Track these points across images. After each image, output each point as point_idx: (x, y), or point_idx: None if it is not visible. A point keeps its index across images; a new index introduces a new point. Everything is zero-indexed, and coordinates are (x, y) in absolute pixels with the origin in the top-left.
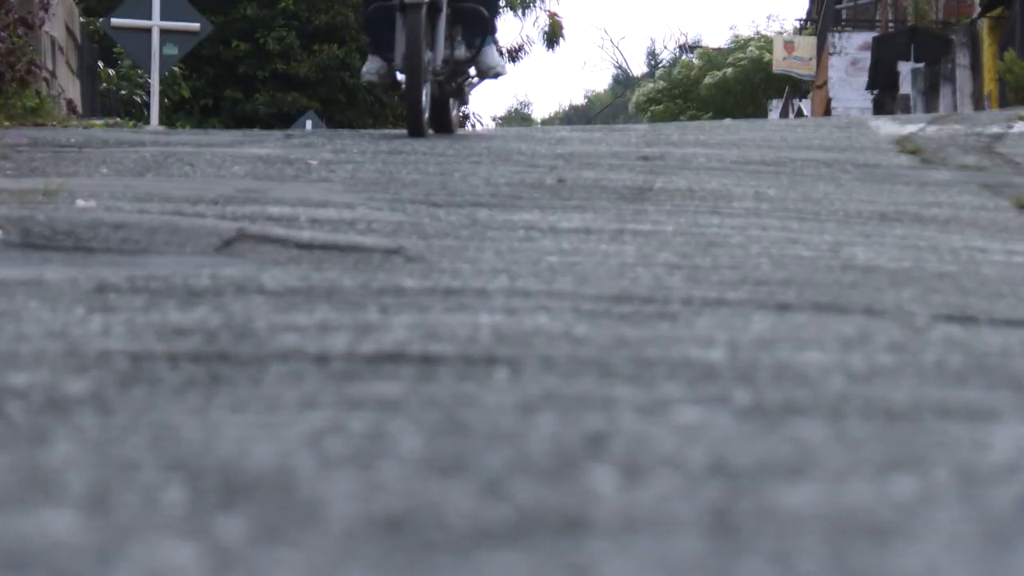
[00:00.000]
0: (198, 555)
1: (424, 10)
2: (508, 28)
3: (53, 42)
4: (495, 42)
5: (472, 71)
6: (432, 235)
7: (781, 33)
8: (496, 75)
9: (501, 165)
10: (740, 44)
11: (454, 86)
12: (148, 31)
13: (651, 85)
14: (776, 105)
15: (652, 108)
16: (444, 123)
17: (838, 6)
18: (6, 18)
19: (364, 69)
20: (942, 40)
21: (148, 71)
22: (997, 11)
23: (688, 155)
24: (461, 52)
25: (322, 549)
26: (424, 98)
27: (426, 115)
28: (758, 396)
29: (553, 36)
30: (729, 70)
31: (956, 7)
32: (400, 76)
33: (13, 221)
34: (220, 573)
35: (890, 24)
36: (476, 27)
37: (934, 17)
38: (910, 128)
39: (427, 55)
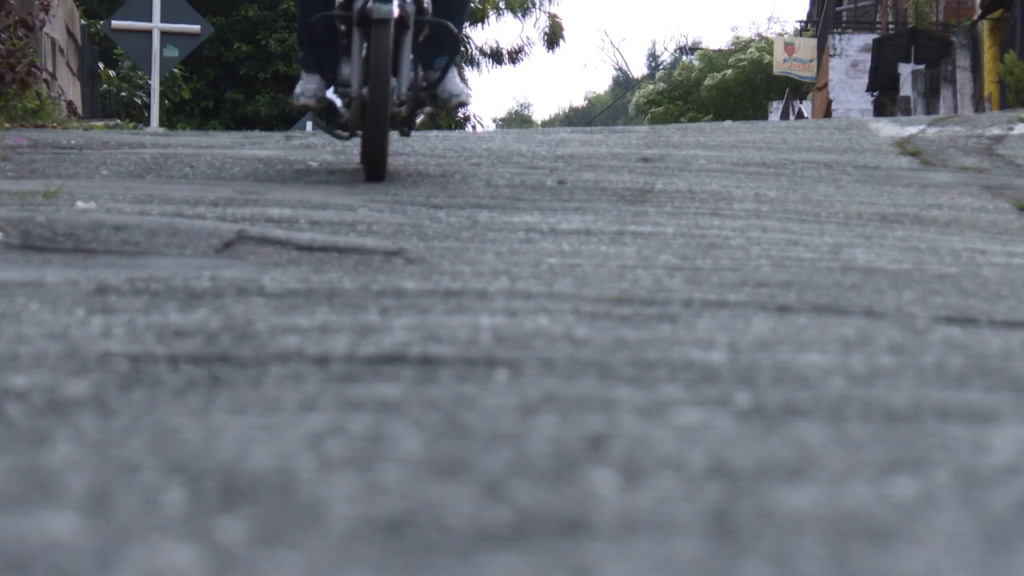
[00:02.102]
0: (198, 557)
1: (392, 26)
2: (508, 30)
3: (53, 44)
4: (458, 64)
5: (426, 98)
6: (432, 237)
7: (782, 35)
8: (459, 105)
9: (501, 167)
10: (740, 46)
11: (404, 116)
12: (148, 33)
13: (651, 87)
14: (776, 107)
15: (652, 110)
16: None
17: (838, 8)
18: (6, 19)
19: (298, 90)
20: (942, 42)
21: (148, 73)
22: (997, 13)
23: (688, 157)
24: (420, 76)
25: (322, 551)
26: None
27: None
28: (758, 398)
29: (553, 37)
30: (729, 72)
31: (956, 9)
32: (336, 100)
33: (13, 223)
34: (220, 575)
35: (890, 26)
36: (439, 45)
37: (934, 19)
38: (910, 130)
39: (391, 82)
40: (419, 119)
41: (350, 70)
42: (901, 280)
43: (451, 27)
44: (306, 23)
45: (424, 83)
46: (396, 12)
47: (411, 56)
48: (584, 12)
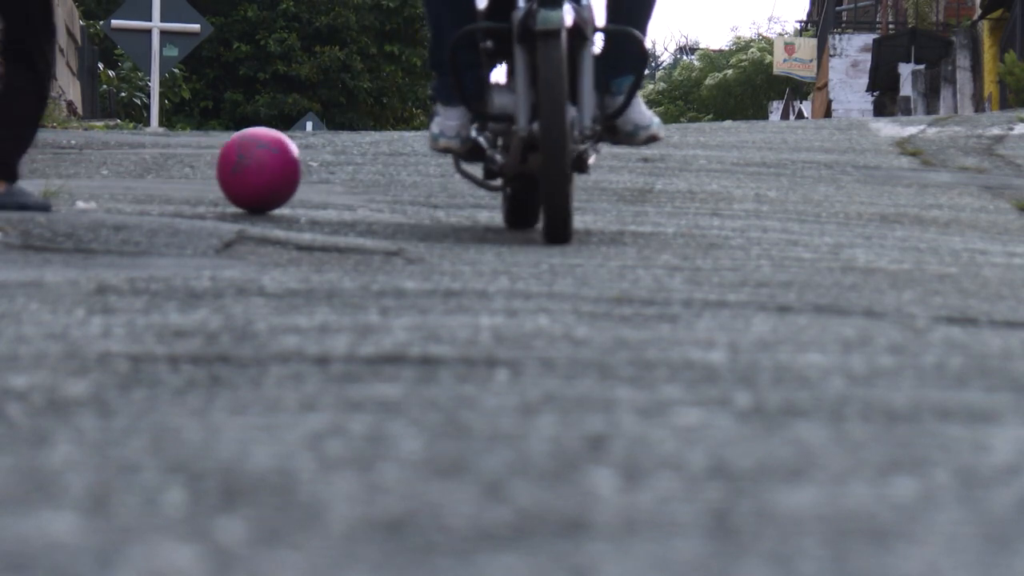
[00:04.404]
0: (198, 557)
1: (564, 39)
2: None
3: None
4: (642, 85)
5: (603, 129)
6: (432, 237)
7: (782, 35)
8: (649, 140)
9: None
10: (741, 46)
11: (574, 155)
12: (148, 32)
13: (652, 87)
14: (776, 107)
15: (653, 110)
16: (534, 214)
17: (839, 8)
18: None
19: (435, 129)
20: (942, 42)
21: (148, 72)
22: (997, 13)
23: (688, 157)
24: (605, 101)
25: (322, 551)
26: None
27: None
28: (758, 398)
29: None
30: (730, 72)
31: (956, 9)
32: (482, 141)
33: (14, 223)
34: (220, 575)
35: (890, 26)
36: (619, 61)
37: (934, 19)
38: (911, 130)
39: (570, 112)
40: (592, 158)
41: (505, 100)
42: (901, 280)
43: (636, 35)
44: (444, 41)
45: (612, 110)
46: (569, 20)
47: (593, 77)
48: None
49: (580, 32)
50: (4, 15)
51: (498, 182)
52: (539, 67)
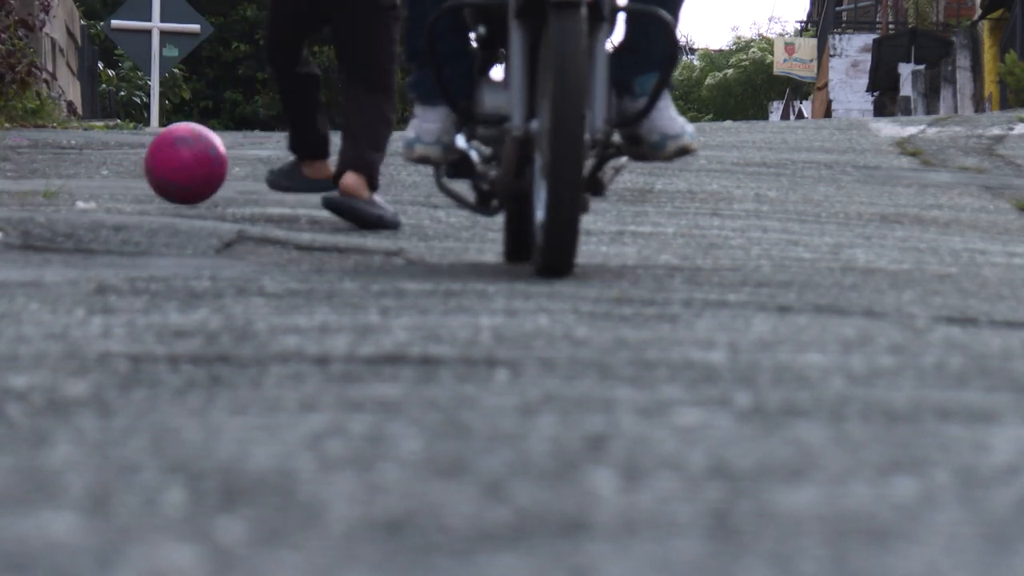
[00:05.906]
0: (198, 557)
1: (585, 15)
2: None
3: (54, 44)
4: (671, 85)
5: (622, 140)
6: (433, 237)
7: (782, 35)
8: (679, 153)
9: None
10: (741, 46)
11: (590, 168)
12: (148, 32)
13: None
14: (777, 107)
15: None
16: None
17: (839, 8)
18: (6, 20)
19: (411, 134)
20: (942, 42)
21: (148, 73)
22: (998, 13)
23: (688, 156)
24: (624, 104)
25: (322, 551)
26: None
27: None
28: (758, 398)
29: None
30: (730, 71)
31: (956, 9)
32: (471, 151)
33: (14, 223)
34: (220, 575)
35: (891, 26)
36: (642, 54)
37: (934, 19)
38: (911, 130)
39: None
40: (607, 175)
41: (499, 99)
42: (901, 280)
43: (665, 19)
44: (421, 22)
45: (619, 116)
46: None
47: (607, 69)
48: None
49: (598, 10)
50: (353, 44)
51: (490, 204)
52: (552, 44)
